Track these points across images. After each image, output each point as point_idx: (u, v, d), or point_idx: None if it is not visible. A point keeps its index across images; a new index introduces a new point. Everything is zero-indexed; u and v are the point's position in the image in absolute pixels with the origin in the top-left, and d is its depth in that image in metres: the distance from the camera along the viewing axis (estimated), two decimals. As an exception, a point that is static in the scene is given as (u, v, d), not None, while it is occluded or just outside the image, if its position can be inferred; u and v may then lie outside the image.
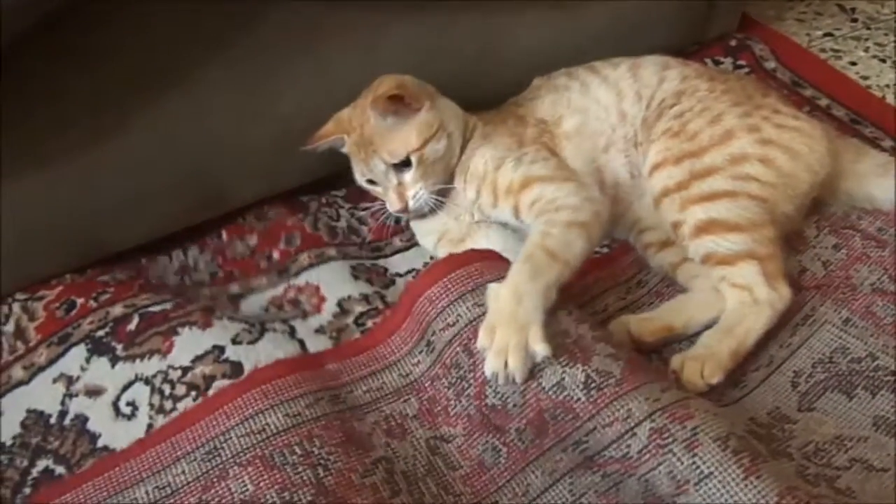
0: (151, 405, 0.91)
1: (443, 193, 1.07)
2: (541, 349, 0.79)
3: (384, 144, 1.03)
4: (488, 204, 1.05)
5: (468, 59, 1.22)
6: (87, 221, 1.05)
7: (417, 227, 1.14)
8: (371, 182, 1.09)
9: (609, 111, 1.11)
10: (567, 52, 1.27)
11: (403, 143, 1.03)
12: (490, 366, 0.80)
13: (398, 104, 1.02)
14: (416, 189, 1.05)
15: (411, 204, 1.05)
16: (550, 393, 0.79)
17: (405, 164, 1.04)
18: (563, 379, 0.79)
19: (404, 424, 0.85)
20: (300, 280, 1.08)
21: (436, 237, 1.10)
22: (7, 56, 0.88)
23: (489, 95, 1.21)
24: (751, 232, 0.95)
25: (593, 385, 0.78)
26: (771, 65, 1.47)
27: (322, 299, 1.04)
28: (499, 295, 0.82)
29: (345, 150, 1.09)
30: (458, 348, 0.85)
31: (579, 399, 0.78)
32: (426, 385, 0.87)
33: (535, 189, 0.99)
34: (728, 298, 0.95)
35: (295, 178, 1.18)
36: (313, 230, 1.17)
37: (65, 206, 1.02)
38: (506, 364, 0.79)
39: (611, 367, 0.80)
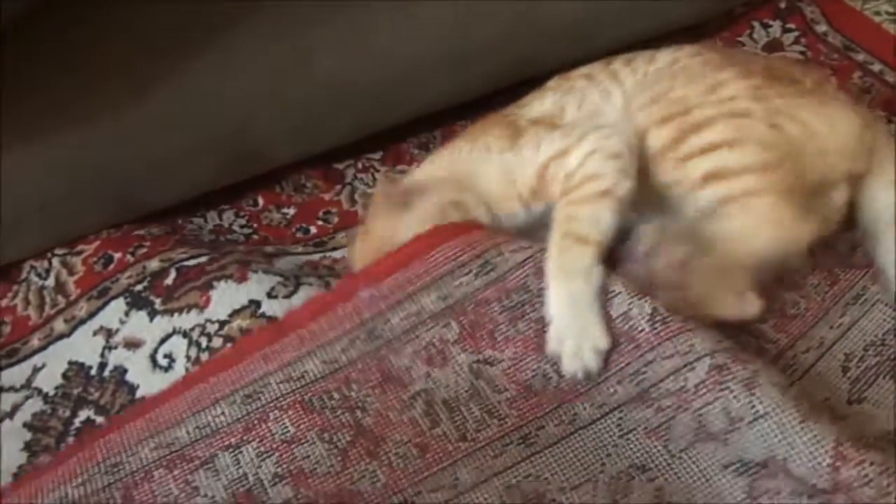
0: (188, 357, 0.91)
1: None
2: (602, 343, 0.78)
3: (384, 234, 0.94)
4: (519, 216, 0.95)
5: (504, 22, 1.20)
6: (123, 180, 1.05)
7: None
8: None
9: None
10: (606, 15, 1.25)
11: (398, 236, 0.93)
12: (568, 368, 0.79)
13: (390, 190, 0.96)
14: None
15: None
16: (616, 322, 0.79)
17: None
18: (630, 309, 0.79)
19: (445, 350, 0.82)
20: (336, 254, 1.08)
21: None
22: (43, 14, 0.89)
23: (524, 62, 1.19)
24: (764, 173, 0.85)
25: (659, 318, 0.77)
26: (822, 28, 1.42)
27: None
28: (555, 310, 0.81)
29: None
30: (528, 270, 0.84)
31: (643, 330, 0.77)
32: (468, 308, 0.84)
33: (550, 170, 0.91)
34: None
35: (332, 138, 1.17)
36: (350, 206, 1.17)
37: (101, 165, 1.03)
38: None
39: None
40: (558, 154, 0.91)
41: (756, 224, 0.86)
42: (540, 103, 1.03)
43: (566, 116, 1.00)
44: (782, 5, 1.45)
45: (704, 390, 0.73)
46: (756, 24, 1.42)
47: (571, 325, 0.80)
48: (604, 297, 0.80)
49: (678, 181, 0.89)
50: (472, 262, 0.87)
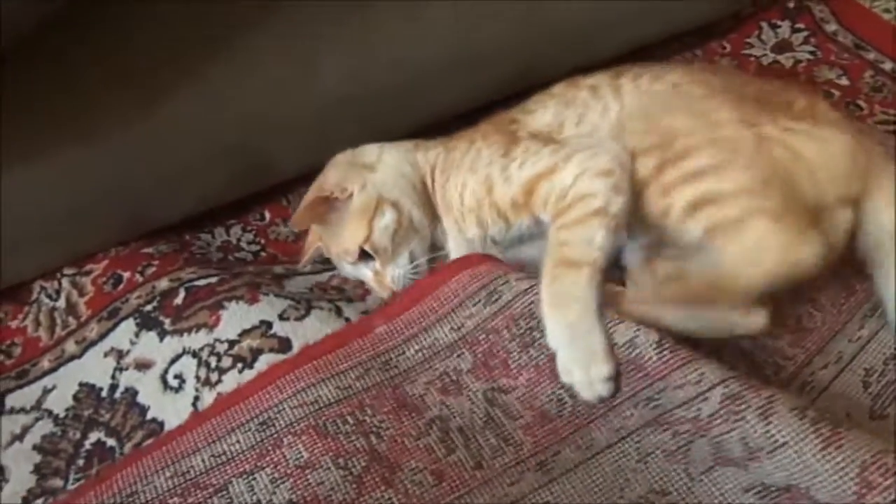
0: (198, 378, 0.90)
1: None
2: (605, 371, 0.77)
3: (339, 246, 0.97)
4: (500, 231, 0.95)
5: (511, 27, 1.18)
6: (131, 196, 1.05)
7: None
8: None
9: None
10: (614, 18, 1.24)
11: (352, 238, 0.96)
12: (583, 397, 0.78)
13: (325, 205, 0.96)
14: (392, 273, 0.96)
15: (395, 287, 0.96)
16: (622, 349, 0.77)
17: (367, 254, 0.96)
18: (636, 337, 0.77)
19: (459, 380, 0.83)
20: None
21: None
22: (48, 30, 0.88)
23: (531, 67, 1.18)
24: (754, 193, 0.82)
25: (666, 345, 0.76)
26: (832, 27, 1.40)
27: (367, 291, 1.03)
28: (555, 340, 0.80)
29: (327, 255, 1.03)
30: (532, 297, 0.83)
31: (650, 358, 0.76)
32: (480, 338, 0.85)
33: (542, 189, 0.89)
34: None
35: (339, 150, 1.16)
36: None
37: (108, 182, 1.02)
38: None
39: None
40: (547, 172, 0.89)
41: (751, 252, 0.82)
42: (542, 114, 1.01)
43: (564, 131, 0.99)
44: (791, 5, 1.44)
45: (719, 420, 0.71)
46: (764, 24, 1.41)
47: (574, 356, 0.78)
48: (605, 321, 0.79)
49: (665, 212, 0.86)
50: (479, 292, 0.88)
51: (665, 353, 0.75)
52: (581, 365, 0.78)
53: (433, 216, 1.01)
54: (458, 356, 0.84)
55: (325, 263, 1.08)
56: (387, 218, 0.96)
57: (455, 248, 1.00)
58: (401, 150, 1.03)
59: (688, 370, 0.74)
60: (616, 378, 0.78)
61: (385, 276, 0.97)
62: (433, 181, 1.01)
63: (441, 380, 0.83)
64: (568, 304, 0.79)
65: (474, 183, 0.95)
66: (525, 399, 0.80)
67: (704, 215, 0.83)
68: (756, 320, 0.84)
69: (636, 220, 0.88)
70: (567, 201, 0.86)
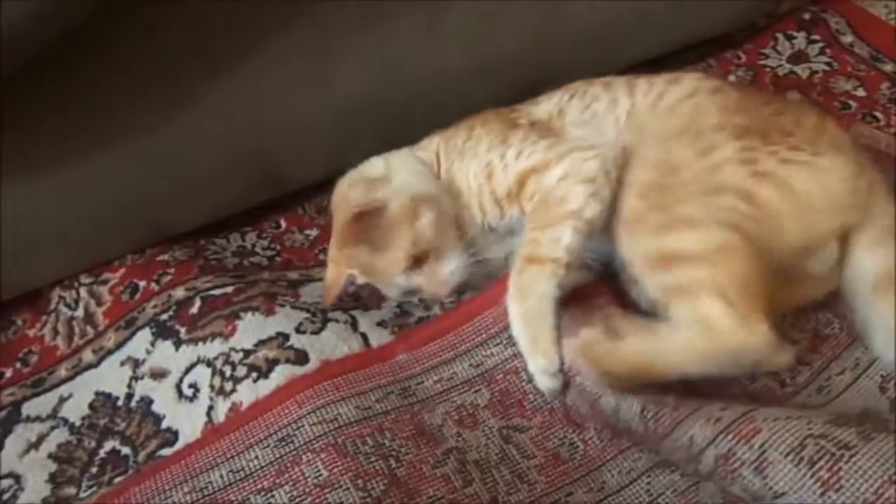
0: (212, 387, 0.90)
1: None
2: (550, 367, 0.80)
3: (385, 263, 0.93)
4: (496, 217, 0.96)
5: (529, 31, 1.18)
6: (147, 204, 1.05)
7: None
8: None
9: (621, 132, 0.96)
10: (630, 27, 1.24)
11: (398, 248, 0.92)
12: (539, 386, 0.83)
13: (367, 220, 0.92)
14: (449, 268, 0.94)
15: (454, 280, 0.94)
16: (611, 417, 0.78)
17: (417, 262, 0.93)
18: (619, 408, 0.77)
19: (476, 414, 0.84)
20: (360, 279, 1.02)
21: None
22: (67, 38, 0.88)
23: (549, 76, 1.17)
24: (716, 264, 0.78)
25: (650, 415, 0.75)
26: (847, 39, 1.40)
27: (382, 299, 1.02)
28: (515, 331, 0.84)
29: (361, 282, 0.98)
30: None
31: (638, 428, 0.76)
32: (498, 377, 0.86)
33: (530, 186, 0.91)
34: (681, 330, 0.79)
35: (355, 159, 1.15)
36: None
37: (124, 189, 1.02)
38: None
39: (664, 393, 0.76)
40: (539, 167, 0.91)
41: (696, 325, 0.77)
42: (546, 104, 1.02)
43: (566, 118, 0.99)
44: (806, 16, 1.43)
45: (718, 478, 0.71)
46: (780, 35, 1.40)
47: (524, 345, 0.83)
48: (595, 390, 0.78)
49: (632, 258, 0.84)
50: (502, 334, 0.88)
51: (650, 423, 0.75)
52: (528, 353, 0.82)
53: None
54: (476, 392, 0.86)
55: (353, 300, 1.03)
56: (427, 215, 0.94)
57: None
58: (402, 154, 1.03)
59: (676, 436, 0.73)
60: (561, 375, 0.80)
61: (441, 274, 0.94)
62: (438, 169, 1.01)
63: (458, 412, 0.84)
64: (526, 297, 0.83)
65: (476, 168, 0.96)
66: (538, 440, 0.81)
67: (668, 273, 0.81)
68: (784, 357, 0.81)
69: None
70: (546, 201, 0.89)
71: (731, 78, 1.34)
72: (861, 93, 1.29)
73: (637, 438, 0.77)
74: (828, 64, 1.35)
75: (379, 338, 0.94)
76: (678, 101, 0.96)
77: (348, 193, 0.99)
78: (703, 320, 0.77)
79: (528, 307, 0.83)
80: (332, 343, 0.92)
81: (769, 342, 0.76)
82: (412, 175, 0.99)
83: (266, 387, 0.87)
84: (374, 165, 1.02)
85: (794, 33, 1.41)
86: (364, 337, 0.94)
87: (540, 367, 0.82)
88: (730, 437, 0.70)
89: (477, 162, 0.96)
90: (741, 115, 0.91)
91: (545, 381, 0.82)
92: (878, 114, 1.24)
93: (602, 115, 0.97)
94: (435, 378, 0.87)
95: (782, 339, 0.79)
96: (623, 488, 0.76)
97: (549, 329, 0.81)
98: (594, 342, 0.79)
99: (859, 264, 0.85)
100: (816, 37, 1.40)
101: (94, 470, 0.88)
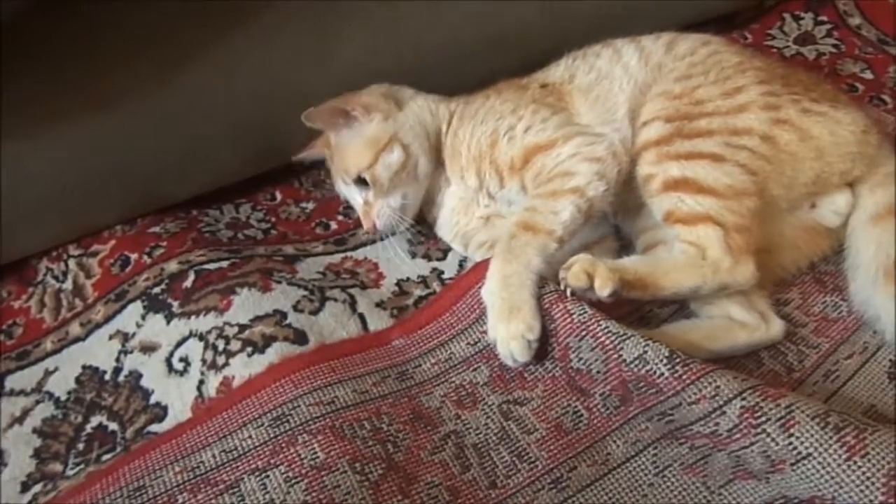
0: (204, 361, 0.88)
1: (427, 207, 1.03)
2: (528, 334, 0.79)
3: (341, 162, 0.99)
4: (495, 185, 0.97)
5: (535, 8, 1.16)
6: (142, 170, 1.02)
7: (437, 226, 1.06)
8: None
9: (634, 79, 0.99)
10: (638, 3, 1.21)
11: (355, 161, 0.97)
12: (501, 354, 0.81)
13: (343, 117, 0.96)
14: (378, 207, 0.98)
15: (378, 223, 0.98)
16: (632, 366, 0.75)
17: (364, 182, 0.97)
18: (645, 352, 0.75)
19: (475, 393, 0.82)
20: (358, 254, 1.05)
21: (450, 235, 1.03)
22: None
23: (555, 49, 1.15)
24: (725, 199, 0.85)
25: (678, 360, 0.74)
26: (855, 21, 1.37)
27: (380, 276, 1.01)
28: (488, 290, 0.83)
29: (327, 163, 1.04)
30: (545, 306, 0.82)
31: (662, 374, 0.74)
32: (496, 352, 0.84)
33: (536, 163, 0.92)
34: (675, 251, 0.86)
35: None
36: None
37: (117, 156, 0.99)
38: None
39: None
40: (547, 145, 0.93)
41: (689, 249, 0.85)
42: (556, 68, 1.04)
43: (575, 81, 1.01)
44: (814, -4, 1.41)
45: (739, 434, 0.70)
46: (787, 16, 1.38)
47: (500, 308, 0.81)
48: (618, 338, 0.77)
49: (651, 176, 0.88)
50: None
51: (677, 367, 0.74)
52: (503, 318, 0.80)
53: (437, 164, 1.02)
54: (475, 370, 0.84)
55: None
56: (395, 155, 0.97)
57: (449, 200, 1.02)
58: (429, 99, 1.05)
59: (702, 384, 0.72)
60: (536, 345, 0.80)
61: (374, 208, 0.98)
62: (448, 128, 1.02)
63: (457, 392, 0.82)
64: (511, 261, 0.83)
65: (481, 133, 0.97)
66: (540, 411, 0.79)
67: (671, 198, 0.86)
68: (776, 328, 0.87)
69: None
70: (550, 175, 0.90)
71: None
72: (868, 75, 1.27)
73: (655, 390, 0.75)
74: (835, 46, 1.33)
75: (378, 320, 0.93)
76: (692, 48, 1.01)
77: (365, 92, 1.02)
78: (698, 243, 0.84)
79: (511, 270, 0.82)
80: (331, 325, 0.90)
81: (752, 278, 0.84)
82: (415, 121, 1.02)
83: (260, 363, 0.85)
84: (405, 92, 1.05)
85: (802, 14, 1.39)
86: (362, 318, 0.93)
87: (516, 332, 0.79)
88: (757, 393, 0.71)
89: (483, 129, 0.98)
90: (760, 60, 0.98)
91: (516, 348, 0.79)
92: (885, 97, 1.22)
93: (607, 70, 1.00)
94: (432, 360, 0.85)
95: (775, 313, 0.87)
96: (628, 460, 0.75)
97: (529, 297, 0.81)
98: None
99: (860, 202, 0.91)
100: (824, 18, 1.38)
101: (80, 446, 0.85)
